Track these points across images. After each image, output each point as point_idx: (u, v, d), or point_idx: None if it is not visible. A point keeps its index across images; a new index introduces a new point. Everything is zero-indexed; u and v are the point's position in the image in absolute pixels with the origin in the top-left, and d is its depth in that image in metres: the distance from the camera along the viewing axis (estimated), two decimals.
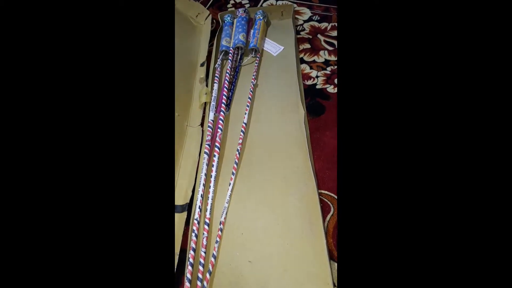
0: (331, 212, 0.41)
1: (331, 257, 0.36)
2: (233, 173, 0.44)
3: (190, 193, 0.42)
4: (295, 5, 0.70)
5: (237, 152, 0.46)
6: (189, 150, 0.48)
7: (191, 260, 0.36)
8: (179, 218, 0.40)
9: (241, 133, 0.48)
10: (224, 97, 0.52)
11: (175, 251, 0.37)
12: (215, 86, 0.54)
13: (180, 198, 0.42)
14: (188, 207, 0.41)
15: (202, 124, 0.51)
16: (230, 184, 0.43)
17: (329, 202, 0.42)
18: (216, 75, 0.56)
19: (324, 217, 0.40)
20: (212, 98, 0.52)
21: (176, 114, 0.50)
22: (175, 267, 0.36)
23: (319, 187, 0.42)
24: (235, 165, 0.45)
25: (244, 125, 0.49)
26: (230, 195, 0.42)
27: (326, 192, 0.42)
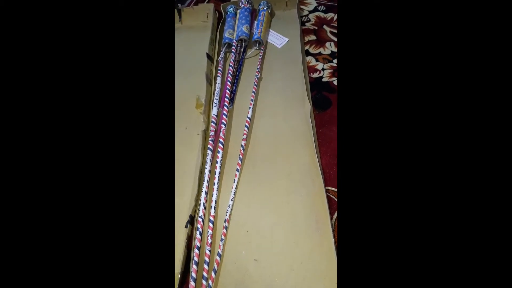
0: None
1: None
2: (237, 170, 0.43)
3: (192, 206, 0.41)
4: None
5: (241, 148, 0.45)
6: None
7: (196, 258, 0.35)
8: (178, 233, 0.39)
9: (245, 128, 0.47)
10: (227, 91, 0.51)
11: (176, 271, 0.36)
12: (218, 79, 0.53)
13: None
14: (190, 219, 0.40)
15: (205, 131, 0.48)
16: (234, 181, 0.42)
17: (336, 199, 0.41)
18: (219, 68, 0.55)
19: (331, 215, 0.39)
20: (216, 92, 0.51)
21: (184, 127, 0.49)
22: (183, 267, 0.35)
23: (326, 183, 0.41)
24: (240, 161, 0.44)
25: (248, 120, 0.48)
26: (235, 192, 0.42)
27: (333, 189, 0.41)
